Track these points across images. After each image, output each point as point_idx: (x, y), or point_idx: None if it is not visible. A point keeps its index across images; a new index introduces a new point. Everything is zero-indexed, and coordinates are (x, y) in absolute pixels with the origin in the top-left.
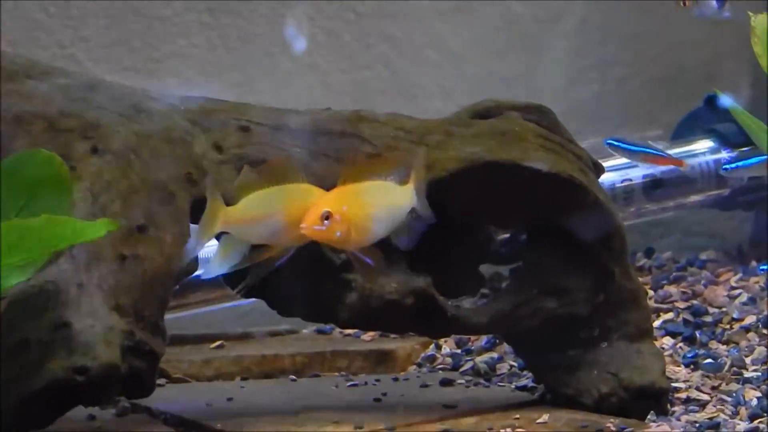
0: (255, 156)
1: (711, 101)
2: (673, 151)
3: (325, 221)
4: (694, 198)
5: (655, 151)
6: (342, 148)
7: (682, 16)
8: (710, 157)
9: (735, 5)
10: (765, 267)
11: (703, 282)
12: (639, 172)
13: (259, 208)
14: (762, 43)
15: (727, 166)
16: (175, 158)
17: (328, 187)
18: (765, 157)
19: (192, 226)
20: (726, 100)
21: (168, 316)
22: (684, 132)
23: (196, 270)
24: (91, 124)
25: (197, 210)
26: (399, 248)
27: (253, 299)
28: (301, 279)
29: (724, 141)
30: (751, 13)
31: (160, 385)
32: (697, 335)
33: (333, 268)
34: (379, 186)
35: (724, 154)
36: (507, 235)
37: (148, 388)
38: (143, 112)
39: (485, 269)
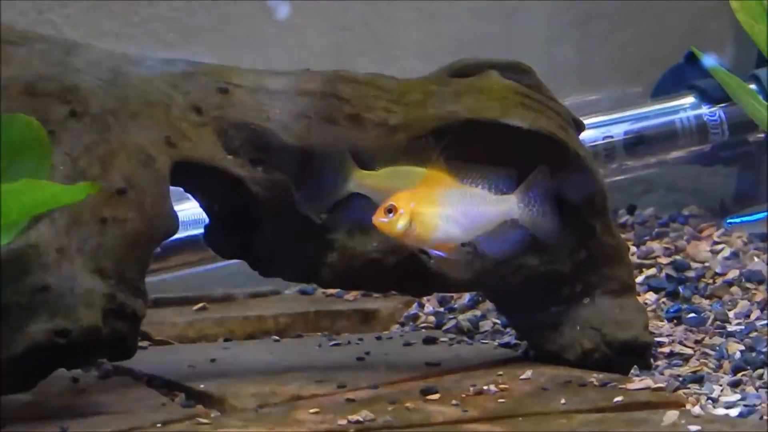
0: (234, 118)
1: (691, 57)
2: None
3: (389, 214)
4: (676, 154)
5: None
6: (322, 108)
7: None
8: (691, 113)
9: None
10: (732, 221)
11: (685, 237)
12: (620, 129)
13: (390, 181)
14: None
15: (731, 221)
16: (155, 121)
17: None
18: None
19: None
20: (705, 58)
21: (151, 278)
22: (665, 88)
23: (176, 232)
24: (70, 88)
25: (177, 172)
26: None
27: (236, 261)
28: (282, 239)
29: (705, 96)
30: None
31: (143, 348)
32: (680, 290)
33: (315, 228)
34: (465, 191)
35: (705, 110)
36: None
37: (130, 350)
38: (122, 76)
39: None
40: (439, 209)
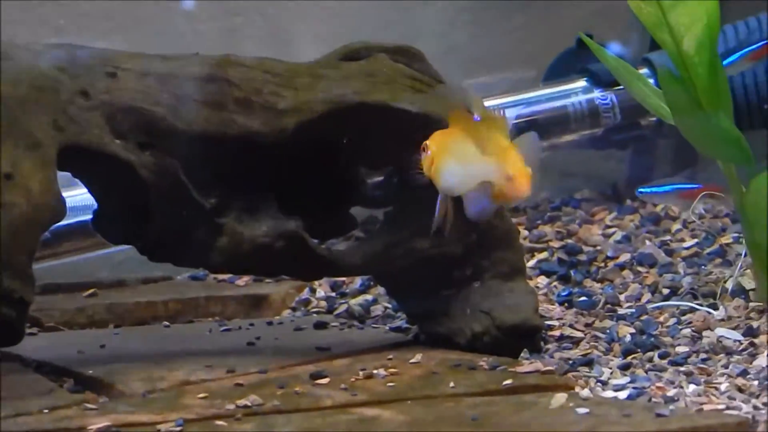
0: (122, 102)
1: (582, 41)
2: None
3: (423, 152)
4: (568, 138)
5: (689, 185)
6: (210, 92)
7: None
8: (583, 97)
9: None
10: (643, 190)
11: (577, 221)
12: (512, 113)
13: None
14: None
15: (642, 190)
16: (42, 105)
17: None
18: (678, 186)
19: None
20: (593, 44)
21: (41, 264)
22: (556, 72)
23: (63, 217)
24: None
25: (65, 157)
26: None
27: (127, 246)
28: (171, 224)
29: (596, 80)
30: None
31: (32, 334)
32: (572, 274)
33: (204, 212)
34: (473, 146)
35: (597, 94)
36: (381, 178)
37: (18, 336)
38: (9, 60)
39: (361, 213)
40: (450, 158)
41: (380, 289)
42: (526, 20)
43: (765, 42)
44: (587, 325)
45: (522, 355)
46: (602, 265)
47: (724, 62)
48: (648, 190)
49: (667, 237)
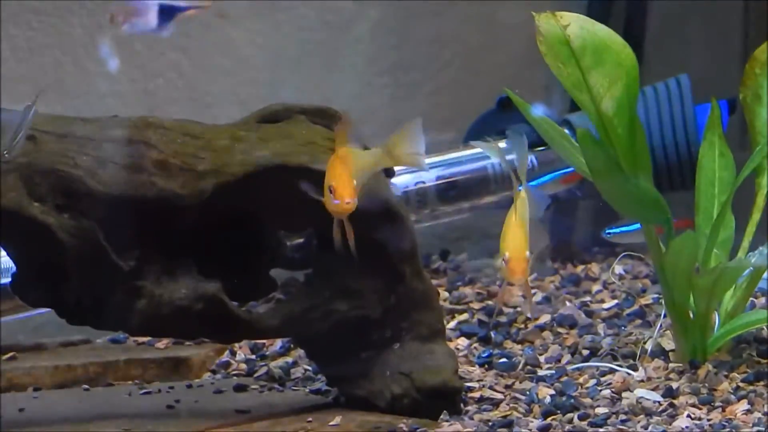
0: (42, 165)
1: (503, 103)
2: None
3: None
4: (489, 199)
5: None
6: (129, 154)
7: (477, 20)
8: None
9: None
10: (610, 231)
11: (498, 283)
12: (432, 175)
13: None
14: (547, 42)
15: (610, 231)
16: None
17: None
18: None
19: None
20: (520, 103)
21: None
22: (477, 134)
23: None
24: None
25: None
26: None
27: (46, 309)
28: (90, 287)
29: None
30: (534, 13)
31: None
32: (492, 335)
33: (123, 274)
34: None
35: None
36: (301, 240)
37: None
38: None
39: (282, 274)
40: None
41: (301, 352)
42: (445, 82)
43: (572, 169)
44: (507, 386)
45: (442, 417)
46: (522, 326)
47: (534, 183)
48: (617, 230)
49: (587, 298)
